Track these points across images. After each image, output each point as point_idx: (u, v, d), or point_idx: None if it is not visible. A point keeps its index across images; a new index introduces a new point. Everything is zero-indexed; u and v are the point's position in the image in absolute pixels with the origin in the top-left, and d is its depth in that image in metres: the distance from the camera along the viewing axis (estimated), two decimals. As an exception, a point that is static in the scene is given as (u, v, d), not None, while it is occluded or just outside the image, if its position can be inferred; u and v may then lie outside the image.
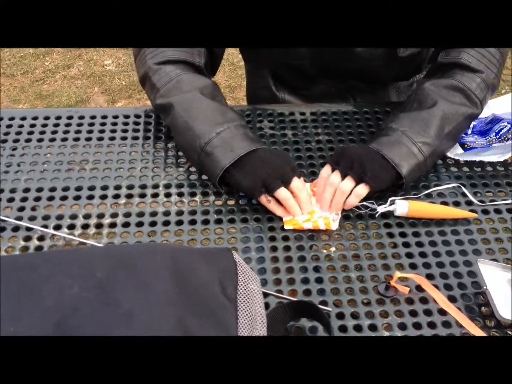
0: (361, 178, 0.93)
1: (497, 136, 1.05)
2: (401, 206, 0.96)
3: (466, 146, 1.07)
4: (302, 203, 0.95)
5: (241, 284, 0.75)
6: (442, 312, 0.85)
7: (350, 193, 0.95)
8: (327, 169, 0.98)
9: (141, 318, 0.65)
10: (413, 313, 0.85)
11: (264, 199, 0.95)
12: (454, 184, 1.04)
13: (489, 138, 1.07)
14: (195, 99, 1.00)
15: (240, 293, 0.74)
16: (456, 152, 1.08)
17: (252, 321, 0.72)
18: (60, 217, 0.96)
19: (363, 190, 0.94)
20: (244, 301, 0.73)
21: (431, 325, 0.83)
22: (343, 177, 0.94)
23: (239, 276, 0.76)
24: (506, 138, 1.04)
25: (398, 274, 0.87)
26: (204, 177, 1.04)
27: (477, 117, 1.04)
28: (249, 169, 0.93)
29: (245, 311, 0.72)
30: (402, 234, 0.96)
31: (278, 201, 0.95)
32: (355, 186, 0.94)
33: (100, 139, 1.11)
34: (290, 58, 1.20)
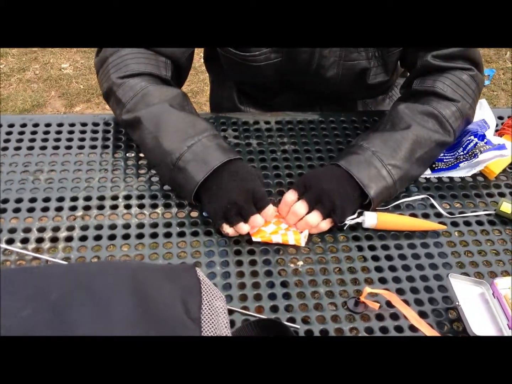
0: (328, 213, 0.91)
1: (465, 152, 1.03)
2: (370, 218, 0.93)
3: (434, 166, 1.06)
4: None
5: (205, 303, 0.71)
6: (414, 329, 0.82)
7: None
8: (291, 195, 0.93)
9: (98, 344, 0.61)
10: (384, 330, 0.82)
11: (223, 230, 0.91)
12: (422, 196, 1.02)
13: (457, 153, 1.05)
14: (164, 112, 0.95)
15: (204, 313, 0.70)
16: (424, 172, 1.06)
17: (218, 344, 0.68)
18: (12, 231, 0.91)
19: (327, 226, 0.93)
20: (208, 322, 0.69)
21: (402, 342, 0.81)
22: (310, 209, 0.91)
23: (203, 294, 0.72)
24: (473, 154, 1.02)
25: (367, 289, 0.84)
26: (166, 187, 0.99)
27: (448, 146, 1.03)
28: (213, 197, 0.90)
29: (210, 333, 0.68)
30: (371, 247, 0.93)
31: None
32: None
33: (56, 147, 1.06)
34: (255, 78, 1.16)
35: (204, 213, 0.96)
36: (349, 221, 0.93)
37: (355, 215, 0.94)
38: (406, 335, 0.81)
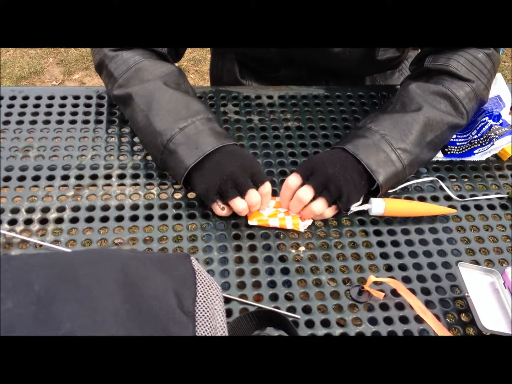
0: (334, 201, 0.86)
1: (479, 135, 0.98)
2: (377, 206, 0.88)
3: (446, 150, 1.00)
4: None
5: (200, 296, 0.67)
6: (419, 319, 0.78)
7: None
8: (294, 179, 0.87)
9: (84, 341, 0.57)
10: (388, 321, 0.78)
11: (217, 207, 0.86)
12: (432, 178, 0.97)
13: (471, 136, 0.99)
14: (157, 90, 0.90)
15: (199, 306, 0.66)
16: (436, 156, 1.00)
17: (213, 339, 0.64)
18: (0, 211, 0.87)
19: (332, 213, 0.88)
20: (203, 315, 0.65)
21: (408, 334, 0.77)
22: (316, 195, 0.85)
23: (198, 286, 0.68)
24: (488, 139, 0.97)
25: (372, 278, 0.80)
26: (162, 166, 0.95)
27: (461, 128, 0.97)
28: (205, 175, 0.84)
29: (205, 327, 0.64)
30: (377, 232, 0.89)
31: None
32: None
33: (46, 122, 1.01)
34: (256, 50, 1.10)
35: (201, 194, 0.91)
36: (355, 208, 0.88)
37: (361, 202, 0.89)
38: (411, 326, 0.78)
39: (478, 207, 0.94)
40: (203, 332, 0.63)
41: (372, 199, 0.89)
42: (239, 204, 0.84)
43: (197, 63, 2.71)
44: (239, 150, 0.87)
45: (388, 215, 0.90)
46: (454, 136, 1.00)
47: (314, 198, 0.85)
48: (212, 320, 0.65)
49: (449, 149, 1.00)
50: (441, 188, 0.96)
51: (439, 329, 0.77)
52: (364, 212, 0.90)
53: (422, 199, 0.94)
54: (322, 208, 0.85)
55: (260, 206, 0.86)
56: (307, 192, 0.85)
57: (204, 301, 0.67)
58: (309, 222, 0.88)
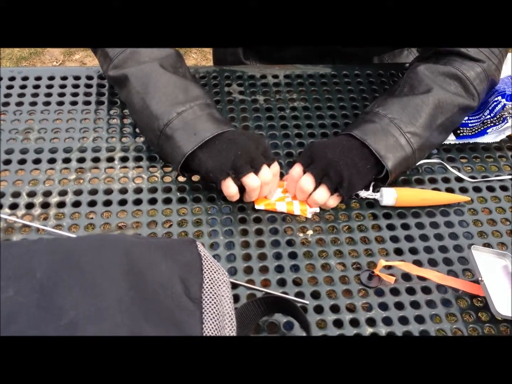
0: (336, 187, 0.83)
1: (492, 115, 0.95)
2: (388, 197, 0.85)
3: (458, 132, 0.98)
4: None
5: (207, 282, 0.65)
6: (431, 305, 0.77)
7: None
8: (297, 169, 0.85)
9: (88, 330, 0.55)
10: (399, 306, 0.77)
11: (229, 184, 0.81)
12: (438, 160, 0.94)
13: (483, 117, 0.96)
14: (154, 72, 0.87)
15: (206, 292, 0.64)
16: (448, 138, 0.98)
17: (220, 327, 0.62)
18: (0, 195, 0.85)
19: (335, 203, 0.86)
20: (210, 302, 0.63)
21: (419, 319, 0.75)
22: (317, 183, 0.83)
23: (205, 272, 0.66)
24: (502, 118, 0.94)
25: (382, 262, 0.78)
26: (165, 149, 0.92)
27: (472, 110, 0.94)
28: (216, 151, 0.81)
29: (212, 314, 0.62)
30: (387, 215, 0.87)
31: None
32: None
33: (47, 104, 0.98)
34: None
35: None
36: (364, 194, 0.86)
37: (371, 189, 0.86)
38: (423, 311, 0.76)
39: (490, 189, 0.92)
40: (210, 319, 0.62)
41: (383, 190, 0.86)
42: (253, 180, 0.81)
43: (199, 42, 2.68)
44: (244, 132, 0.85)
45: (400, 205, 0.87)
46: (466, 117, 0.98)
47: (316, 186, 0.83)
48: (219, 306, 0.64)
49: (461, 130, 0.97)
50: (452, 168, 0.93)
51: (465, 286, 0.78)
52: (373, 194, 0.88)
53: (432, 180, 0.92)
54: (324, 197, 0.83)
55: (268, 188, 0.84)
56: (308, 181, 0.83)
57: (211, 287, 0.65)
58: (317, 209, 0.85)
